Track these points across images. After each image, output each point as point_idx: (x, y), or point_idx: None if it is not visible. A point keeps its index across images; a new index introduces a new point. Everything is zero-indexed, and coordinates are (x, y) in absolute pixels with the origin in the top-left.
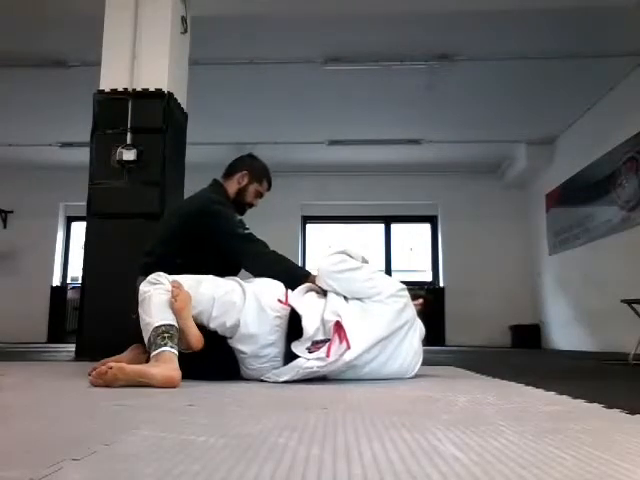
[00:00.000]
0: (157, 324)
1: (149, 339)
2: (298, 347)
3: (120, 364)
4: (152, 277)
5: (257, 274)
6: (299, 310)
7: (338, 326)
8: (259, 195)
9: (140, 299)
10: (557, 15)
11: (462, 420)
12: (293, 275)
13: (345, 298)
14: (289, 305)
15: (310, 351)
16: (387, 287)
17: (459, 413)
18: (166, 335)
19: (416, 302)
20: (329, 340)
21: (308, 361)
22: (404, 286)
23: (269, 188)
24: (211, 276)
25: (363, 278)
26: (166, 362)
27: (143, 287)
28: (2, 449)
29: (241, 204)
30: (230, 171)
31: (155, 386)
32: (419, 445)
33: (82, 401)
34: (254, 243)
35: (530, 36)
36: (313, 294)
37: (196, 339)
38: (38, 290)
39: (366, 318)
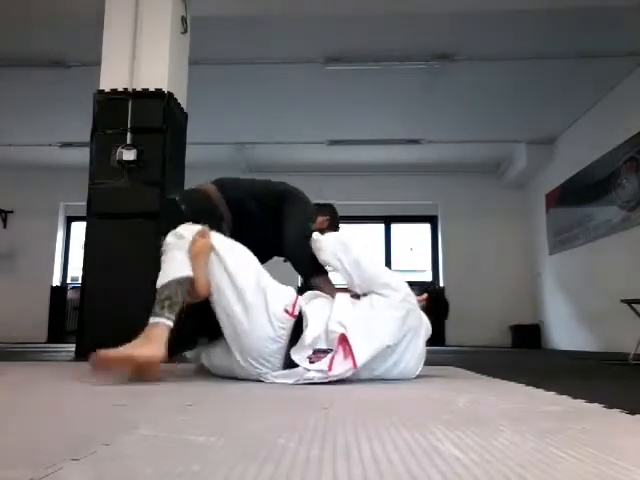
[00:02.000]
0: (163, 283)
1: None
2: (297, 354)
3: (102, 352)
4: (181, 229)
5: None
6: (308, 316)
7: (343, 339)
8: None
9: (162, 249)
10: (557, 15)
11: (462, 420)
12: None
13: (354, 299)
14: (295, 316)
15: (311, 360)
16: (396, 282)
17: (459, 413)
18: (166, 303)
19: (420, 298)
20: (332, 351)
21: (308, 372)
22: (410, 292)
23: None
24: (242, 258)
25: (372, 261)
26: (152, 339)
27: (168, 238)
28: (2, 449)
29: None
30: (319, 210)
31: (139, 364)
32: (419, 445)
33: (82, 401)
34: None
35: (530, 36)
36: (322, 299)
37: (203, 286)
38: (38, 290)
39: (372, 327)
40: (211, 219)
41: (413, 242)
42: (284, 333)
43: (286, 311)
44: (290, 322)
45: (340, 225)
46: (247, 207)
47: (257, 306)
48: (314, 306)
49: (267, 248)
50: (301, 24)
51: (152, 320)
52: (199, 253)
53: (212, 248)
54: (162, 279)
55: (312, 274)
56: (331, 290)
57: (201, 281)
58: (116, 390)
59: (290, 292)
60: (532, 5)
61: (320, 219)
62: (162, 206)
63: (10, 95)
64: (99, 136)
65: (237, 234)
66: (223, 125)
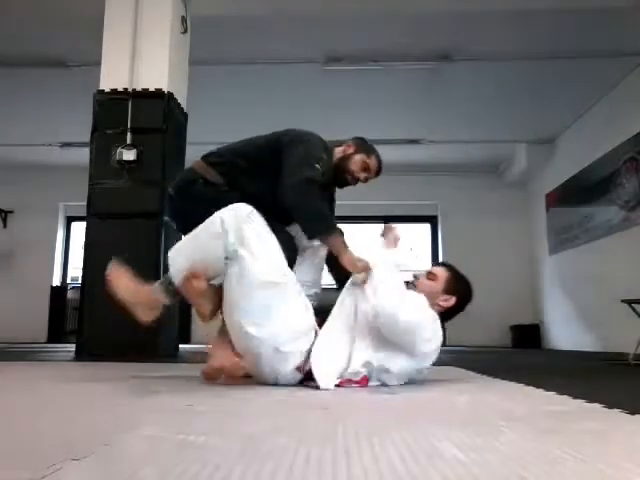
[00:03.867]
0: (171, 255)
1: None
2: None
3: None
4: (248, 212)
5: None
6: (318, 381)
7: (365, 378)
8: (366, 168)
9: (209, 220)
10: (557, 15)
11: (462, 420)
12: (319, 226)
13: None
14: (306, 371)
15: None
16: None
17: (459, 413)
18: (171, 287)
19: (446, 304)
20: (349, 381)
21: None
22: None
23: (379, 169)
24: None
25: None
26: (149, 304)
27: (223, 214)
28: (2, 449)
29: (343, 171)
30: (339, 142)
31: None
32: (419, 445)
33: (82, 401)
34: (305, 194)
35: (530, 36)
36: (341, 328)
37: (204, 318)
38: (38, 290)
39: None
40: (193, 187)
41: (413, 242)
42: (293, 382)
43: (297, 368)
44: (299, 375)
45: (376, 154)
46: (238, 166)
47: (266, 360)
48: (330, 348)
49: (272, 209)
50: (301, 24)
51: (155, 285)
52: (190, 295)
53: (204, 293)
54: (175, 253)
55: (322, 231)
56: (348, 261)
57: (202, 315)
58: (116, 390)
59: (305, 340)
60: (532, 5)
61: (340, 149)
62: (162, 206)
63: (10, 95)
64: (99, 136)
65: (235, 195)
66: (223, 125)
